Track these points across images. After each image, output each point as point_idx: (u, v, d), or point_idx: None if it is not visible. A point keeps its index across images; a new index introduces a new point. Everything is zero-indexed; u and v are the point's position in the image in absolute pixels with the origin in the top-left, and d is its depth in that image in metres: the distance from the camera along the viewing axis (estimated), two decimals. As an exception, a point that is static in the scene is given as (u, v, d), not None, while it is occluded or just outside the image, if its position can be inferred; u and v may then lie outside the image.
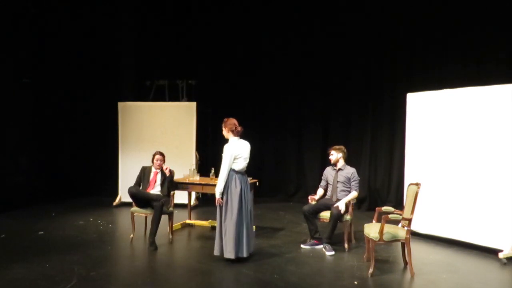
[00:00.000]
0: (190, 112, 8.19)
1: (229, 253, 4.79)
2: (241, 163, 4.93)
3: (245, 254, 4.87)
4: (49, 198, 8.44)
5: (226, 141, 5.06)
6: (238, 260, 4.84)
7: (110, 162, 8.48)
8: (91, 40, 9.15)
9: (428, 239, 5.90)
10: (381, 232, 4.42)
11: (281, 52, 8.98)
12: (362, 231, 4.87)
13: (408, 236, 4.53)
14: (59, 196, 8.64)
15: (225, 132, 5.02)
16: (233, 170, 4.89)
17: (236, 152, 4.89)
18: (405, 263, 4.72)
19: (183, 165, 7.03)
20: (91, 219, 7.06)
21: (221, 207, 4.88)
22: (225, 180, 4.85)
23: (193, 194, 7.66)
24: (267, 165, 9.16)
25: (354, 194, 5.54)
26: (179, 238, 6.03)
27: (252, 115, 8.97)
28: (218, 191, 4.88)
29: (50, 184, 8.81)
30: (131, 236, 5.77)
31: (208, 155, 9.25)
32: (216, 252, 4.92)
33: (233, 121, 4.98)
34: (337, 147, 5.78)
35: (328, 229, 5.33)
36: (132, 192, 5.67)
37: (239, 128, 4.97)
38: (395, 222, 4.69)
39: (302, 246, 5.57)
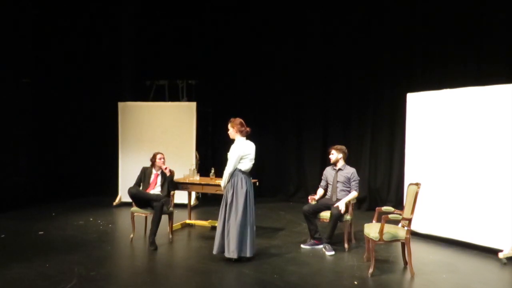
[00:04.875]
0: (190, 112, 8.19)
1: (232, 253, 4.77)
2: (247, 164, 4.93)
3: (248, 254, 4.85)
4: (49, 198, 8.44)
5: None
6: (240, 259, 4.83)
7: (110, 162, 8.48)
8: (91, 40, 9.16)
9: (428, 239, 5.90)
10: (381, 232, 4.42)
11: (281, 52, 8.98)
12: (362, 231, 4.87)
13: (408, 236, 4.53)
14: (59, 196, 8.64)
15: (233, 132, 4.97)
16: (240, 170, 4.88)
17: (244, 152, 4.88)
18: (405, 263, 4.72)
19: (183, 165, 7.03)
20: (91, 219, 7.06)
21: (225, 207, 4.86)
22: (229, 178, 4.87)
23: (193, 194, 7.67)
24: (267, 165, 9.16)
25: (354, 194, 5.53)
26: (179, 238, 6.03)
27: (252, 115, 8.93)
28: (222, 185, 5.01)
29: (50, 184, 8.80)
30: (131, 236, 5.77)
31: (208, 155, 9.26)
32: (215, 251, 4.90)
33: (241, 121, 4.95)
34: (338, 147, 5.76)
35: (328, 229, 5.33)
36: (132, 193, 5.67)
37: (247, 129, 4.96)
38: (395, 222, 4.69)
39: (302, 246, 5.57)
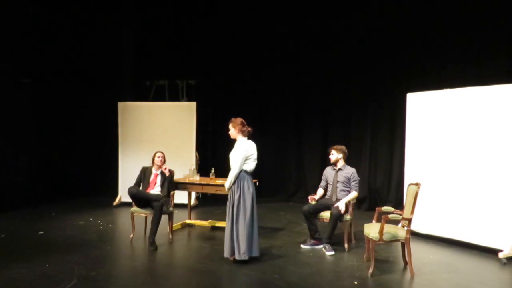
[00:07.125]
0: (190, 112, 8.19)
1: (243, 255, 4.71)
2: (252, 164, 4.88)
3: (257, 253, 4.83)
4: (49, 198, 8.44)
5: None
6: (246, 261, 4.77)
7: (110, 162, 8.48)
8: (91, 40, 9.16)
9: (428, 239, 5.90)
10: (381, 232, 4.42)
11: (281, 52, 8.98)
12: (362, 231, 4.87)
13: (408, 236, 4.53)
14: (59, 196, 8.64)
15: (234, 132, 4.91)
16: (245, 171, 4.83)
17: (248, 152, 4.83)
18: (405, 263, 4.72)
19: (183, 165, 7.03)
20: (91, 219, 7.06)
21: (233, 208, 4.79)
22: (235, 180, 4.79)
23: (193, 194, 7.66)
24: (267, 165, 9.15)
25: (354, 194, 5.53)
26: (179, 238, 6.03)
27: (252, 115, 8.89)
28: (227, 187, 4.92)
29: (50, 184, 8.80)
30: (131, 236, 5.77)
31: (208, 155, 9.26)
32: (227, 254, 4.80)
33: (242, 121, 4.90)
34: (339, 147, 5.76)
35: (328, 229, 5.33)
36: (132, 193, 5.67)
37: (249, 129, 4.91)
38: (395, 222, 4.69)
39: (302, 246, 5.57)
